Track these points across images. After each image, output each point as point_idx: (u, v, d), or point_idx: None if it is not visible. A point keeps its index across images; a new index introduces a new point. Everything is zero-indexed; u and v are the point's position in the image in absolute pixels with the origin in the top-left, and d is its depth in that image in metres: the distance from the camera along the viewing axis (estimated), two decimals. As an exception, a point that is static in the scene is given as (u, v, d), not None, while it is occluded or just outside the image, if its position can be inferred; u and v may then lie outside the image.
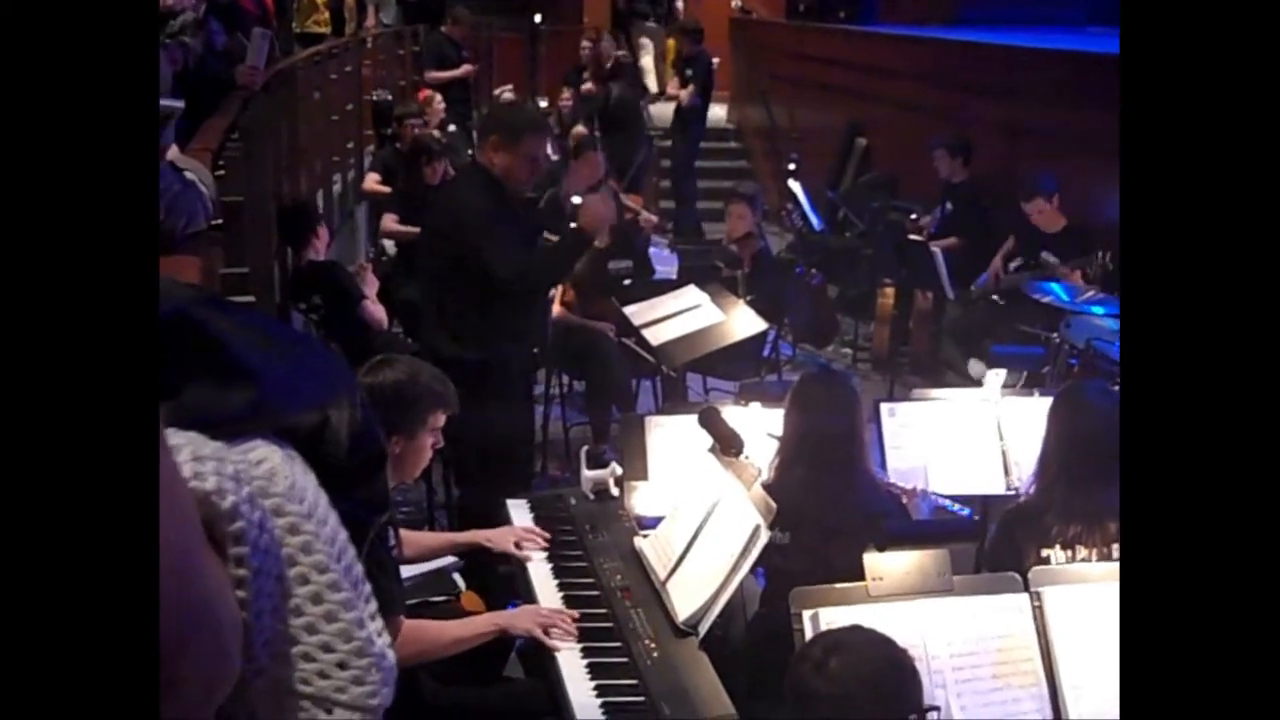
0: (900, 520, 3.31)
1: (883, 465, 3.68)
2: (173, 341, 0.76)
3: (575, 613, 2.99)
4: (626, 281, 6.03)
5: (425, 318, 4.41)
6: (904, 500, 3.39)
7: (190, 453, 0.72)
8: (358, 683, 0.77)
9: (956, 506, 3.76)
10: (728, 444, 3.08)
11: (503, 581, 3.61)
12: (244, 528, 0.72)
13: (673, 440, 3.59)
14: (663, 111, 11.82)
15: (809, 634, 2.45)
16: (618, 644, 2.87)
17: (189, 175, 2.81)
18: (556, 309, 5.78)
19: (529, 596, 3.18)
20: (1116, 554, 2.85)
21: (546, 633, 2.90)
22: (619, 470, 3.65)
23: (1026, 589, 2.61)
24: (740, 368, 5.88)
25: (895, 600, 2.57)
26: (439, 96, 9.24)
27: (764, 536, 2.79)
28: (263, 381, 0.80)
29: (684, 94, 10.39)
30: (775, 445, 3.35)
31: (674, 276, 6.53)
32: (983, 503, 3.88)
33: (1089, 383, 3.69)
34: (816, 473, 3.20)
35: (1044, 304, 5.66)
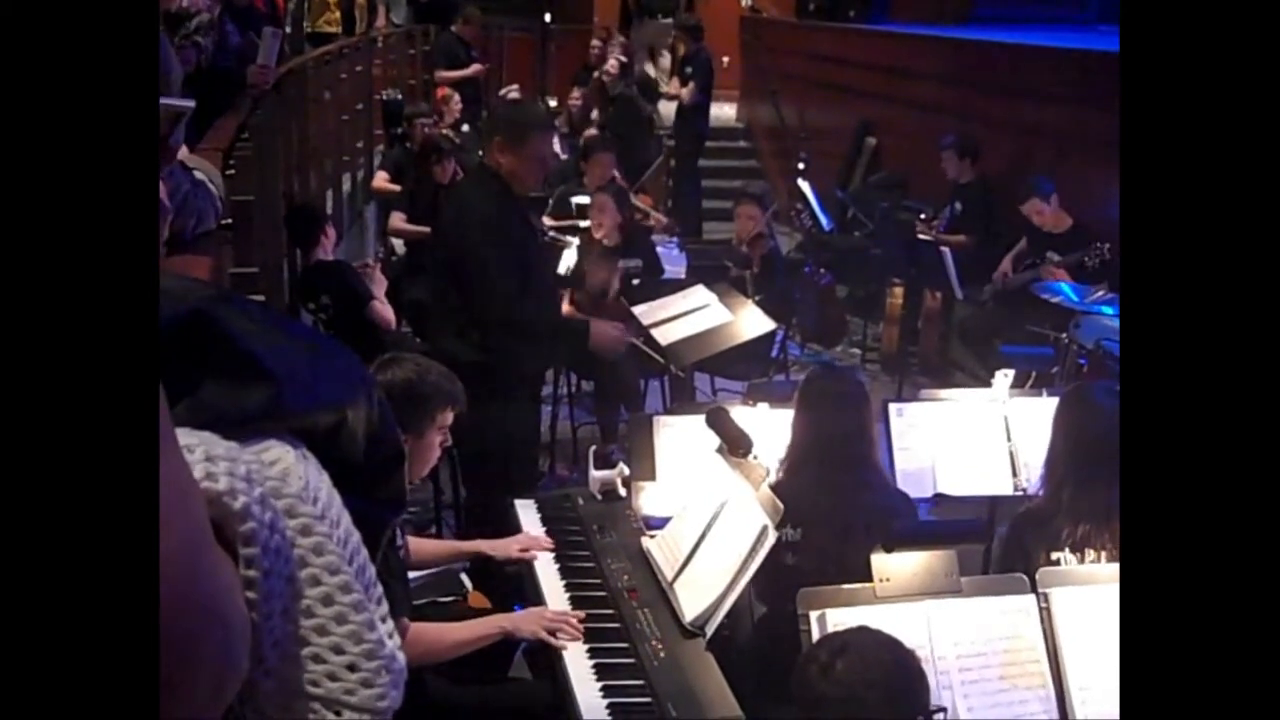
0: (909, 520, 3.30)
1: (890, 465, 3.68)
2: (190, 340, 0.76)
3: (581, 613, 2.99)
4: (635, 281, 6.03)
5: (434, 318, 4.42)
6: None
7: (203, 453, 0.72)
8: (367, 685, 0.77)
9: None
10: (736, 444, 3.08)
11: (510, 582, 3.61)
12: (255, 528, 0.72)
13: (681, 440, 3.59)
14: (671, 110, 11.80)
15: (816, 635, 2.45)
16: (624, 644, 2.87)
17: (199, 175, 2.82)
18: (566, 308, 5.78)
19: (536, 597, 3.18)
20: (1124, 555, 2.85)
21: (552, 635, 2.90)
22: (627, 470, 3.65)
23: (1034, 590, 2.61)
24: (748, 368, 5.88)
25: (903, 601, 2.57)
26: (457, 95, 9.25)
27: (771, 537, 2.79)
28: (281, 381, 0.80)
29: (684, 92, 10.37)
30: (784, 445, 3.35)
31: (682, 276, 6.52)
32: (990, 503, 3.88)
33: (1094, 383, 3.68)
34: (826, 472, 3.19)
35: (1053, 304, 5.66)
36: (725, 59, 13.55)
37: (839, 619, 2.47)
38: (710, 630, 2.81)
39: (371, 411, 0.88)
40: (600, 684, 2.73)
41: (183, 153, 3.00)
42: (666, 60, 13.03)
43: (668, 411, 4.83)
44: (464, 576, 3.65)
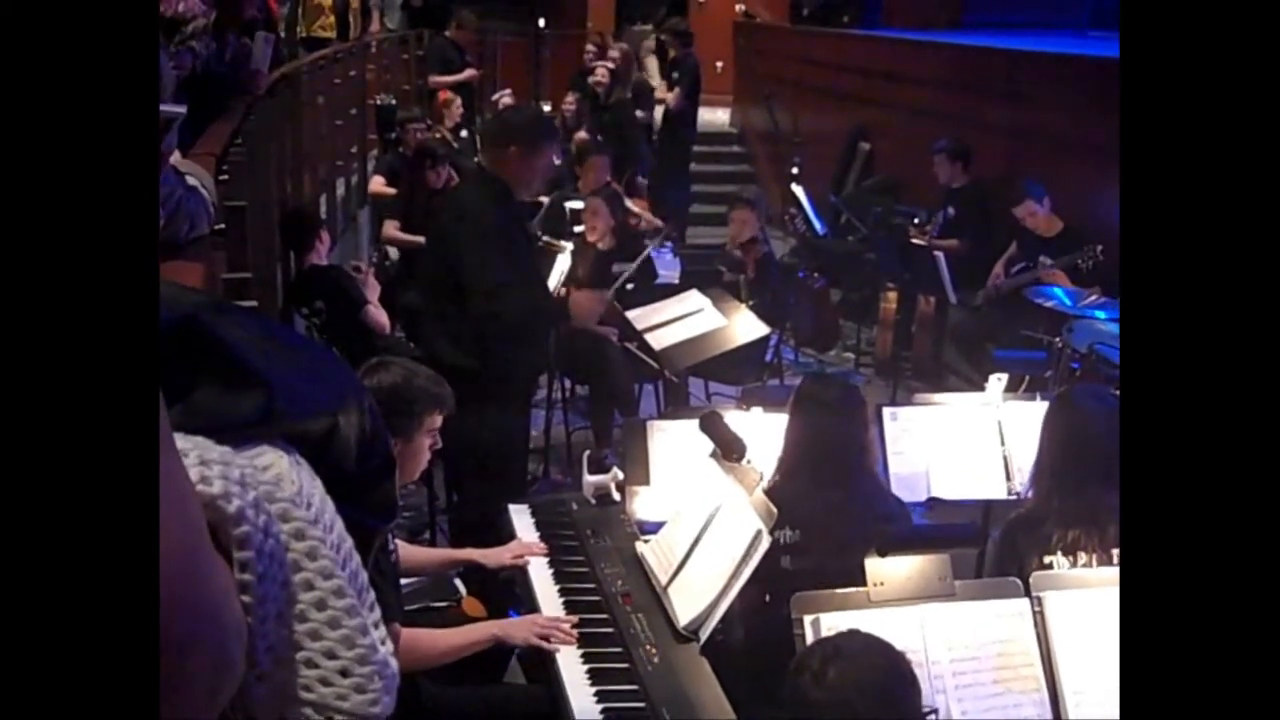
0: (903, 524, 3.30)
1: (884, 469, 3.68)
2: (181, 346, 0.77)
3: (574, 618, 2.99)
4: (629, 285, 6.04)
5: (428, 323, 4.42)
6: None
7: (197, 456, 0.72)
8: (359, 690, 0.77)
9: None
10: (729, 449, 3.08)
11: (504, 587, 3.61)
12: (249, 532, 0.72)
13: (674, 445, 3.59)
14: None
15: (810, 638, 2.45)
16: (618, 649, 2.87)
17: (191, 180, 2.82)
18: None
19: (530, 601, 3.18)
20: (1117, 557, 2.85)
21: (545, 640, 2.90)
22: (620, 475, 3.65)
23: (1028, 594, 2.62)
24: (742, 372, 5.88)
25: (897, 605, 2.57)
26: (459, 100, 9.26)
27: (765, 541, 2.79)
28: (272, 387, 0.80)
29: (670, 97, 10.37)
30: (778, 450, 3.35)
31: (676, 281, 6.53)
32: (984, 508, 3.88)
33: (1082, 388, 3.69)
34: (819, 479, 3.19)
35: (1046, 309, 5.68)
36: (719, 64, 13.57)
37: (833, 623, 2.47)
38: (704, 635, 2.81)
39: (363, 419, 0.88)
40: (594, 689, 2.73)
41: (175, 157, 3.00)
42: (653, 65, 13.03)
43: (662, 416, 4.85)
44: (458, 581, 3.65)
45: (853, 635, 2.19)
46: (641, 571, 3.16)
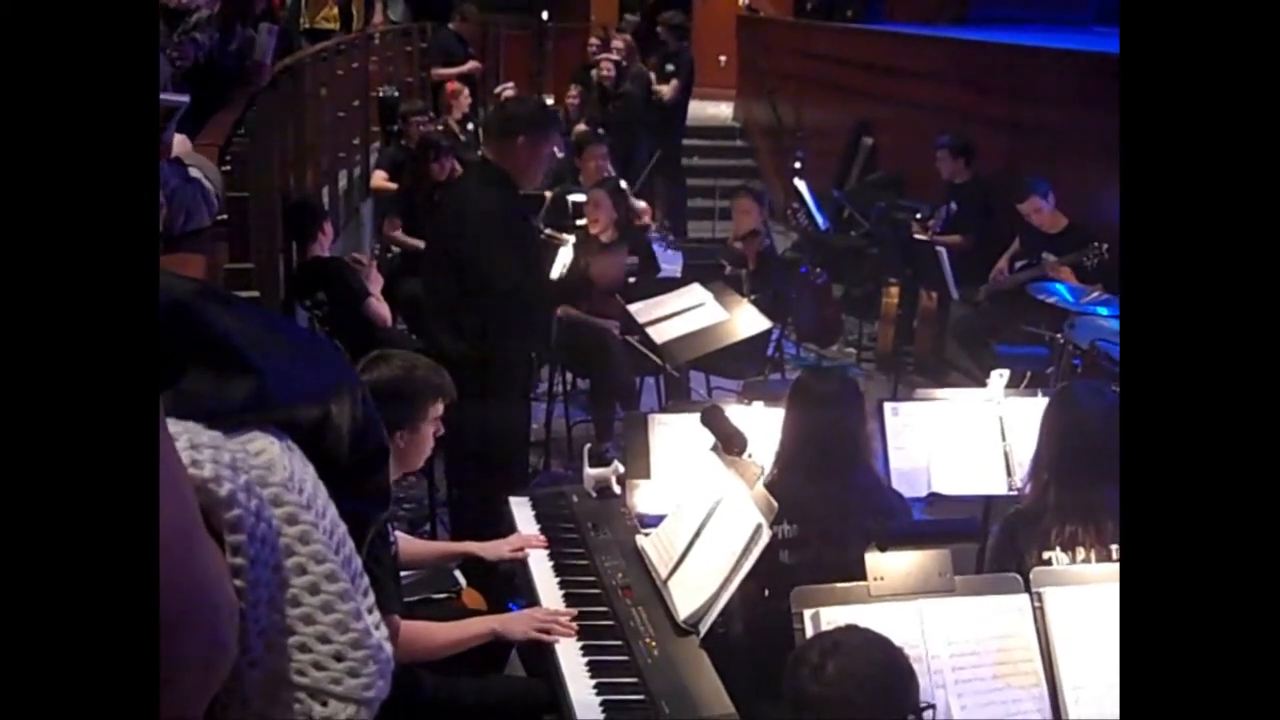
0: (903, 519, 3.30)
1: (885, 464, 3.67)
2: (171, 332, 0.76)
3: (574, 611, 3.00)
4: (631, 279, 6.03)
5: (430, 314, 4.42)
6: None
7: (187, 440, 0.72)
8: (353, 675, 0.77)
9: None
10: (730, 443, 3.08)
11: (504, 578, 3.61)
12: (241, 515, 0.72)
13: (675, 439, 3.59)
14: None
15: (810, 633, 2.45)
16: (618, 642, 2.87)
17: (193, 172, 2.81)
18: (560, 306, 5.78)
19: (530, 593, 3.18)
20: (1116, 553, 2.85)
21: (545, 634, 2.90)
22: (621, 468, 3.65)
23: (1027, 590, 2.61)
24: (744, 366, 5.88)
25: (896, 600, 2.57)
26: (466, 90, 9.26)
27: (766, 535, 2.79)
28: (263, 374, 0.80)
29: (666, 89, 10.36)
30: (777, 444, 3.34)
31: (678, 274, 6.53)
32: (985, 503, 3.88)
33: (1080, 383, 3.69)
34: (816, 473, 3.18)
35: (1048, 304, 5.67)
36: (722, 58, 13.56)
37: (833, 617, 2.46)
38: (704, 628, 2.81)
39: (356, 407, 0.88)
40: (594, 681, 2.73)
41: (187, 149, 3.00)
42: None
43: (663, 410, 4.84)
44: (458, 573, 3.65)
45: (852, 630, 2.19)
46: (642, 565, 3.16)
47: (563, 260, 5.75)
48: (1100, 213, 6.20)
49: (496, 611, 3.42)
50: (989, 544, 3.23)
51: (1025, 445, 3.66)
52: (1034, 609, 2.59)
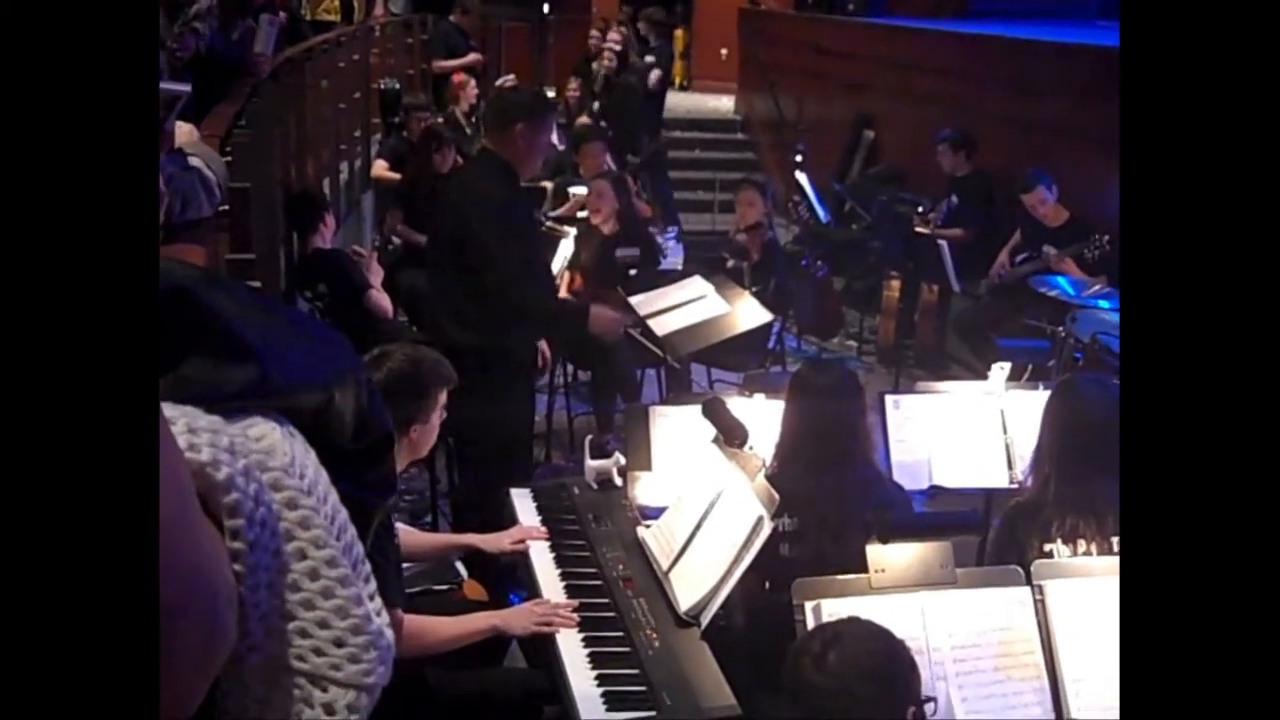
0: (904, 512, 3.29)
1: (886, 457, 3.67)
2: (171, 318, 0.76)
3: (575, 602, 2.99)
4: (633, 271, 6.03)
5: (434, 304, 4.42)
6: None
7: (185, 424, 0.71)
8: (353, 660, 0.77)
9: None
10: (731, 435, 3.08)
11: (505, 570, 3.61)
12: (239, 499, 0.72)
13: (677, 431, 3.58)
14: (675, 102, 11.79)
15: (811, 625, 2.45)
16: (620, 633, 2.87)
17: (194, 161, 2.81)
18: (564, 294, 5.78)
19: (531, 585, 3.18)
20: (1118, 546, 2.85)
21: (546, 626, 2.90)
22: (623, 460, 3.65)
23: (1029, 582, 2.61)
24: (745, 359, 5.88)
25: (897, 592, 2.56)
26: (473, 81, 9.26)
27: (767, 527, 2.78)
28: (264, 359, 0.80)
29: (651, 77, 10.42)
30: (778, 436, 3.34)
31: (680, 267, 6.53)
32: (986, 496, 3.88)
33: (1081, 376, 3.68)
34: (816, 465, 3.18)
35: (1050, 298, 5.66)
36: (724, 51, 13.55)
37: (834, 609, 2.46)
38: (705, 620, 2.81)
39: (360, 394, 0.88)
40: (595, 672, 2.73)
41: (194, 136, 2.99)
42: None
43: (664, 402, 4.84)
44: (459, 564, 3.65)
45: (853, 621, 2.19)
46: (643, 556, 3.16)
47: (564, 252, 5.75)
48: (1101, 207, 6.19)
49: (498, 603, 3.42)
50: (990, 536, 3.22)
51: (1026, 438, 3.66)
52: (1035, 601, 2.59)
